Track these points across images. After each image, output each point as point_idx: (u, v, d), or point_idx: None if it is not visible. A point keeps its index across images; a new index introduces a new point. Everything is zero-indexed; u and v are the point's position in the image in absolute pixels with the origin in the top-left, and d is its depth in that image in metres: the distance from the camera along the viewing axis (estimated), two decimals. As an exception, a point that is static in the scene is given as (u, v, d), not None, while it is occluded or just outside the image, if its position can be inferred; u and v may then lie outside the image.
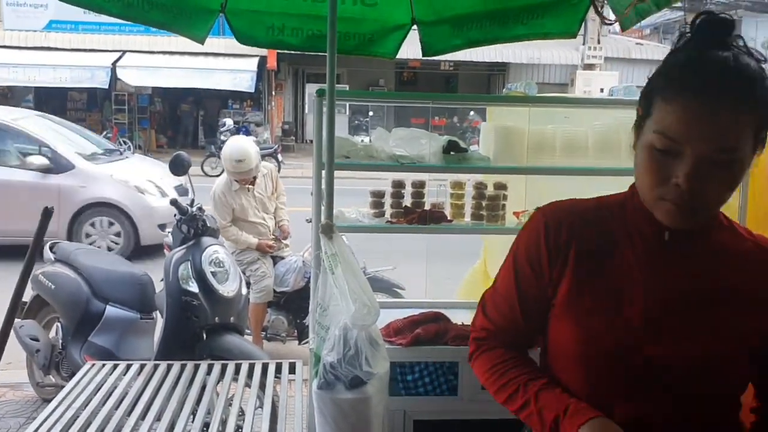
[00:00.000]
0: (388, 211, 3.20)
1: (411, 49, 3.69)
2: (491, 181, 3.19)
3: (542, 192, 3.25)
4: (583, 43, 20.99)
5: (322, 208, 2.83)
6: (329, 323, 2.45)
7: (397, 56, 3.44)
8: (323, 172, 2.74)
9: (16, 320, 4.01)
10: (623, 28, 3.37)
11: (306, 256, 5.26)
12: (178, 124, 21.68)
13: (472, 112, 20.26)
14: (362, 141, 3.43)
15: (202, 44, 3.68)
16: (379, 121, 20.35)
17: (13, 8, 18.86)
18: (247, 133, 17.99)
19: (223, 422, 2.77)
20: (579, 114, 3.24)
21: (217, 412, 2.80)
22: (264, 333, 5.30)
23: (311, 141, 16.71)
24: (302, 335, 5.28)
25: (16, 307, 2.30)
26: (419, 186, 3.20)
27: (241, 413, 2.91)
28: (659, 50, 23.46)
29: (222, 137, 16.29)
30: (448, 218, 3.15)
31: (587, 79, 21.07)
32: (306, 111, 21.88)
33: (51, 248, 4.32)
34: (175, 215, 3.92)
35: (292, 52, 4.17)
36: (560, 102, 3.56)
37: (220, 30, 4.11)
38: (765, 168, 3.04)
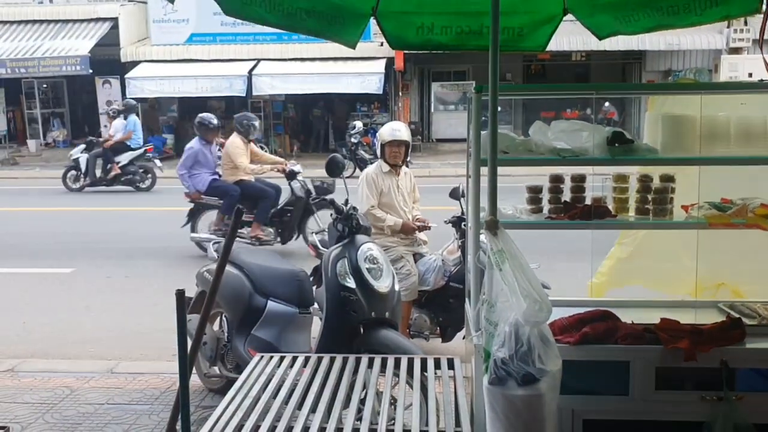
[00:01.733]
0: (546, 206, 3.14)
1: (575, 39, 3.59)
2: (657, 173, 3.05)
3: (715, 184, 3.08)
4: (728, 26, 19.55)
5: (482, 205, 2.83)
6: (497, 319, 2.44)
7: (567, 49, 3.37)
8: (483, 168, 2.73)
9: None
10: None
11: (445, 255, 5.28)
12: (310, 128, 22.45)
13: (606, 103, 19.47)
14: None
15: (354, 48, 3.78)
16: (506, 115, 20.05)
17: (159, 25, 20.28)
18: (375, 134, 18.33)
19: (391, 419, 2.83)
20: (754, 100, 3.03)
21: (383, 408, 2.86)
22: (408, 330, 5.36)
23: (437, 140, 16.78)
24: (445, 333, 5.30)
25: (209, 308, 2.46)
26: (579, 180, 3.12)
27: (406, 407, 2.96)
28: (814, 28, 21.47)
29: (352, 139, 16.69)
30: (612, 213, 3.04)
31: (733, 63, 19.65)
32: (432, 110, 21.99)
33: (214, 246, 4.60)
34: (331, 214, 4.05)
35: (419, 52, 4.22)
36: (735, 88, 3.34)
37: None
38: None
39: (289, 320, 4.15)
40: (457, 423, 2.79)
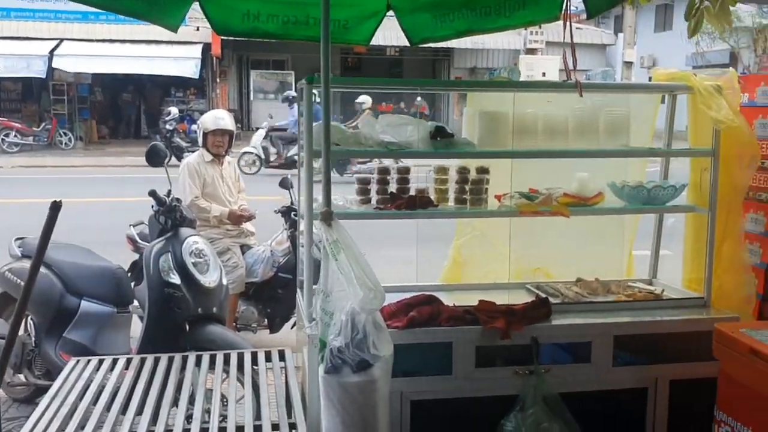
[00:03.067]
0: (374, 197, 3.22)
1: (390, 35, 3.71)
2: (473, 165, 3.25)
3: (526, 175, 3.35)
4: (526, 28, 21.29)
5: (316, 195, 2.85)
6: (333, 309, 2.48)
7: (383, 44, 3.47)
8: (316, 160, 2.75)
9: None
10: (589, 17, 3.48)
11: (274, 245, 5.24)
12: (120, 114, 21.08)
13: (419, 98, 20.35)
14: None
15: (176, 32, 3.62)
16: (325, 107, 20.23)
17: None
18: (192, 121, 17.64)
19: (223, 416, 2.77)
20: (560, 98, 3.34)
21: (214, 405, 2.79)
22: (234, 324, 5.27)
23: (258, 129, 16.40)
24: (273, 325, 5.27)
25: (22, 312, 2.24)
26: (404, 172, 3.24)
27: (238, 402, 2.91)
28: (597, 34, 24.06)
29: (167, 126, 15.94)
30: (434, 203, 3.19)
31: (530, 63, 21.46)
32: (251, 98, 21.62)
33: (17, 243, 4.18)
34: (152, 207, 3.85)
35: (237, 39, 4.16)
36: (543, 87, 3.65)
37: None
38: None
39: (106, 320, 3.90)
40: (291, 414, 2.80)
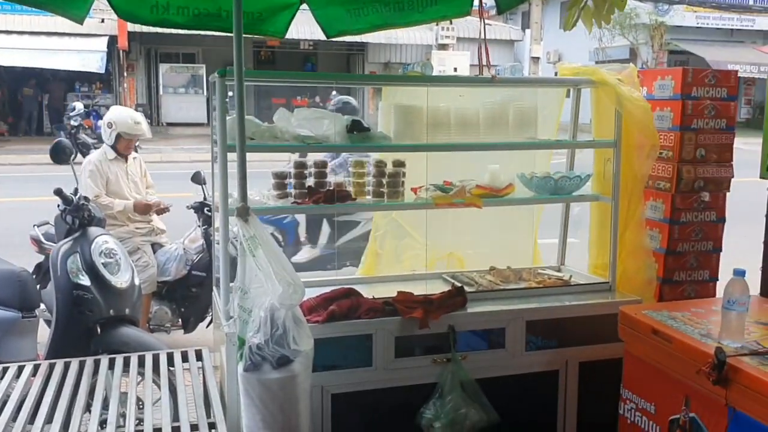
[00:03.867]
0: (291, 192, 3.21)
1: (304, 28, 3.69)
2: (390, 159, 3.29)
3: (440, 168, 3.41)
4: (437, 24, 21.59)
5: (231, 191, 2.81)
6: (252, 306, 2.45)
7: (297, 37, 3.44)
8: (230, 154, 2.72)
9: None
10: (499, 12, 3.57)
11: (187, 243, 5.13)
12: (20, 110, 19.96)
13: (334, 92, 20.29)
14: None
15: (81, 23, 3.47)
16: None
17: None
18: (98, 117, 16.94)
19: (139, 419, 2.70)
20: (471, 92, 3.42)
21: (130, 409, 2.71)
22: (147, 324, 5.13)
23: (168, 124, 15.99)
24: (188, 324, 5.17)
25: None
26: (321, 166, 3.24)
27: (155, 404, 2.84)
28: (506, 30, 24.70)
29: (72, 122, 15.23)
30: (352, 197, 3.21)
31: (442, 58, 21.79)
32: (161, 92, 20.97)
33: None
34: (58, 206, 3.69)
35: (144, 30, 4.04)
36: (455, 81, 3.72)
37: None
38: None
39: (10, 326, 3.69)
40: (210, 414, 2.75)
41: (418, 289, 3.29)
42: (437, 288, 3.36)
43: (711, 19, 24.81)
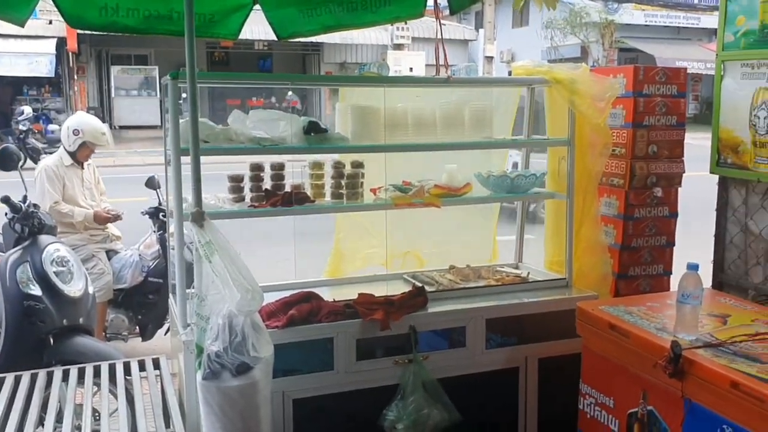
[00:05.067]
0: (248, 195, 3.16)
1: (258, 29, 3.65)
2: (348, 160, 3.27)
3: (399, 168, 3.41)
4: (392, 24, 21.62)
5: (186, 195, 2.75)
6: (209, 313, 2.41)
7: (251, 38, 3.40)
8: (184, 158, 2.66)
9: None
10: (452, 12, 3.60)
11: (142, 249, 5.04)
12: (-37, 114, 19.33)
13: (290, 92, 20.18)
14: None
15: (23, 26, 3.37)
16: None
17: None
18: (48, 121, 16.56)
19: (93, 430, 2.63)
20: (426, 93, 3.43)
21: (85, 421, 2.64)
22: (104, 333, 5.02)
23: (121, 127, 15.67)
24: (145, 331, 5.07)
25: None
26: (279, 168, 3.20)
27: (111, 415, 2.77)
28: (460, 30, 24.91)
29: (20, 126, 14.84)
30: (311, 199, 3.18)
31: (397, 58, 21.88)
32: (113, 95, 20.54)
33: None
34: (6, 214, 3.57)
35: (95, 32, 3.96)
36: (412, 81, 3.72)
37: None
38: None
39: (-43, 340, 3.57)
40: (169, 424, 2.70)
41: (379, 290, 3.28)
42: (398, 288, 3.36)
43: (659, 17, 25.49)
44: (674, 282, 3.02)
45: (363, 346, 2.99)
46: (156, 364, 3.16)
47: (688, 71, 4.31)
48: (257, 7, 3.62)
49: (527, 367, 3.26)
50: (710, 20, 25.39)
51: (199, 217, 2.47)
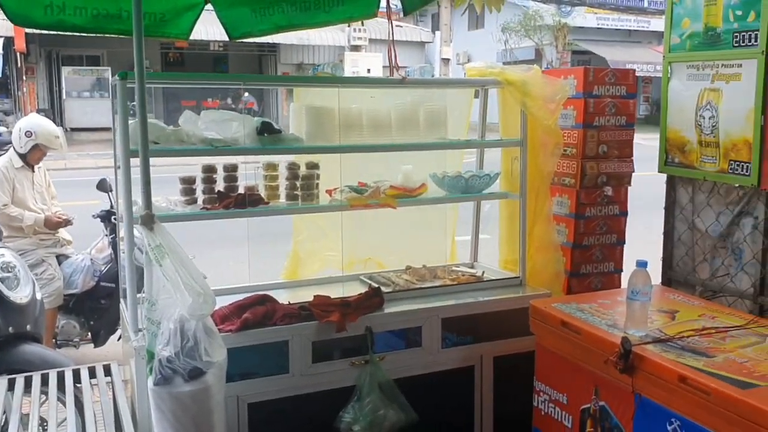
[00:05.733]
0: (200, 197, 3.12)
1: (213, 29, 3.60)
2: (303, 161, 3.25)
3: (354, 169, 3.40)
4: (349, 25, 21.61)
5: (135, 198, 2.70)
6: (160, 317, 2.36)
7: (206, 38, 3.35)
8: (134, 160, 2.61)
9: None
10: (405, 14, 3.61)
11: (94, 253, 4.94)
12: None
13: (246, 93, 19.97)
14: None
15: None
16: (147, 104, 19.25)
17: None
18: (-6, 123, 16.05)
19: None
20: (382, 93, 3.43)
21: (32, 428, 2.56)
22: (54, 340, 4.89)
23: (72, 129, 15.32)
24: (98, 337, 4.97)
25: None
26: (232, 170, 3.16)
27: (57, 423, 2.69)
28: (416, 32, 25.05)
29: (-35, 129, 14.38)
30: (265, 200, 3.15)
31: (354, 59, 21.86)
32: (64, 97, 20.04)
33: None
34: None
35: (44, 32, 3.86)
36: (366, 82, 3.71)
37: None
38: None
39: None
40: (120, 431, 2.64)
41: (336, 292, 3.27)
42: (355, 290, 3.35)
43: (610, 21, 26.04)
44: (625, 280, 3.08)
45: (319, 348, 2.97)
46: (107, 371, 3.08)
47: (639, 73, 4.40)
48: (209, 6, 3.57)
49: (482, 365, 3.28)
50: (660, 23, 25.93)
51: (149, 220, 2.42)
